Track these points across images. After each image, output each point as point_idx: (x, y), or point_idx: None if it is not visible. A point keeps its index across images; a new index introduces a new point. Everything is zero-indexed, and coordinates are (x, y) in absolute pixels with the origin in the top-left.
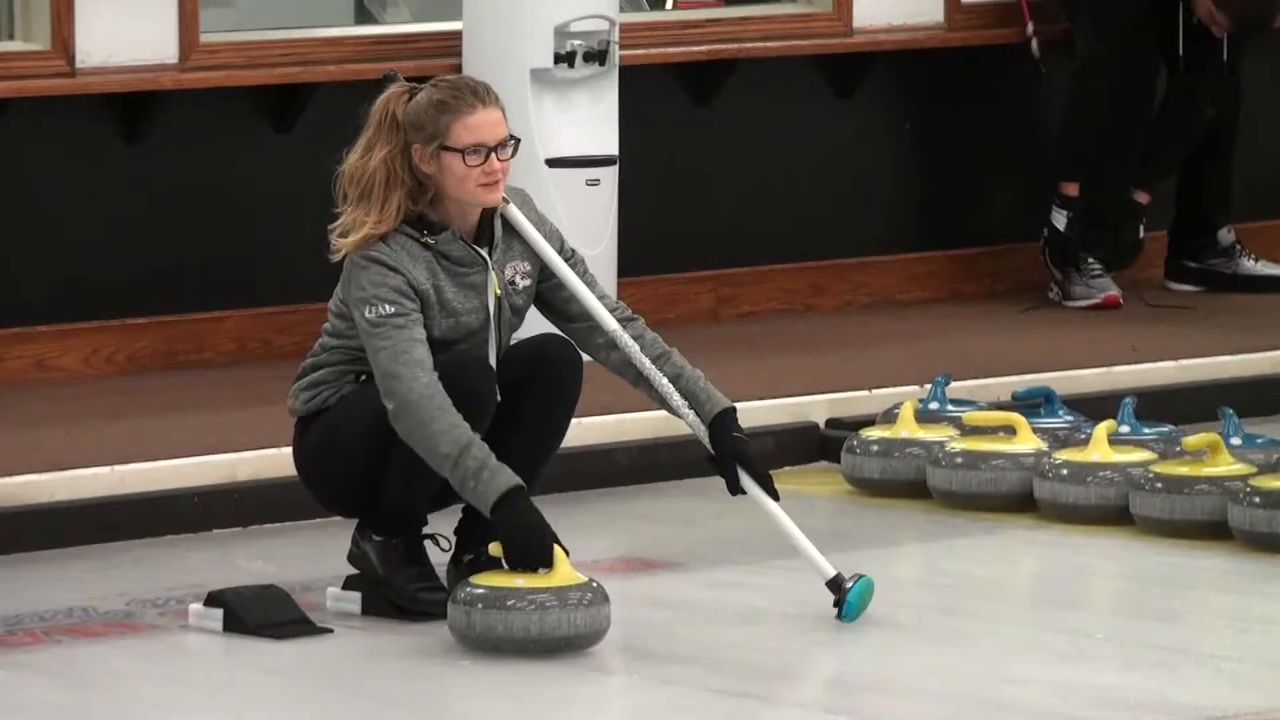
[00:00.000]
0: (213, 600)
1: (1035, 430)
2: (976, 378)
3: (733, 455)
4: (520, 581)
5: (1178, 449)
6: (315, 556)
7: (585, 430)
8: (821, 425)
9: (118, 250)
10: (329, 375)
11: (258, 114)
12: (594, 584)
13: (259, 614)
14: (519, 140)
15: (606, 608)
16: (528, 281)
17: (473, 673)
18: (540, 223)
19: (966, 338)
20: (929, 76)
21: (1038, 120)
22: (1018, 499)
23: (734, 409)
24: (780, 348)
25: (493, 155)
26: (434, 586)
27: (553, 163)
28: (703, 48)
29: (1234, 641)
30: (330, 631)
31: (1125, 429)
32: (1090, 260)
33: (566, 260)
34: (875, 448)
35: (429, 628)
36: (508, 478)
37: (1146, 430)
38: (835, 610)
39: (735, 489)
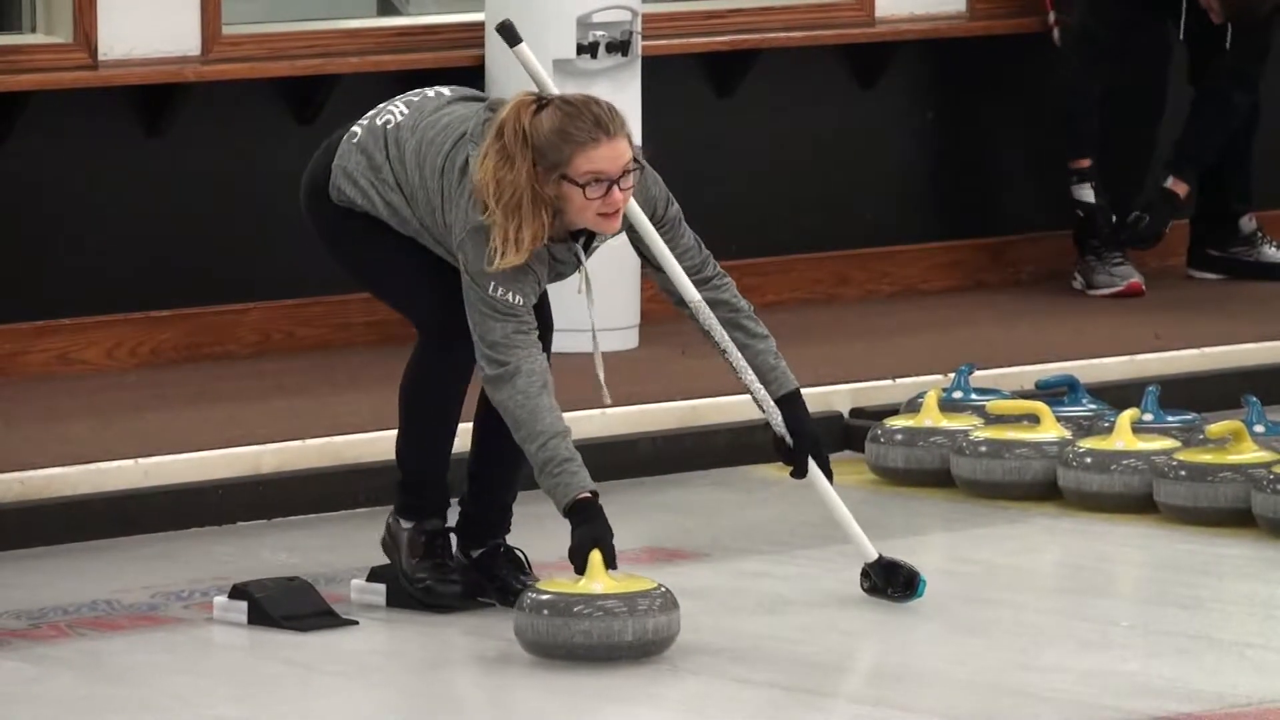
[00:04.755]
0: (237, 593)
1: (1059, 419)
2: (1000, 366)
3: (807, 441)
4: (580, 588)
5: (1201, 437)
6: (340, 549)
7: (609, 420)
8: (845, 415)
9: (140, 243)
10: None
11: (280, 106)
12: (663, 589)
13: (283, 606)
14: (642, 166)
15: (666, 616)
16: (599, 244)
17: (498, 664)
18: (644, 185)
19: (990, 327)
20: (951, 66)
21: (1059, 106)
22: (1042, 487)
23: (799, 390)
24: (804, 337)
25: (614, 187)
26: (448, 579)
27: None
28: (725, 38)
29: (1258, 628)
30: (355, 624)
31: (1149, 417)
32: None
33: (662, 217)
34: (899, 437)
35: (453, 619)
36: (588, 480)
37: (1170, 418)
38: (903, 589)
39: (802, 473)
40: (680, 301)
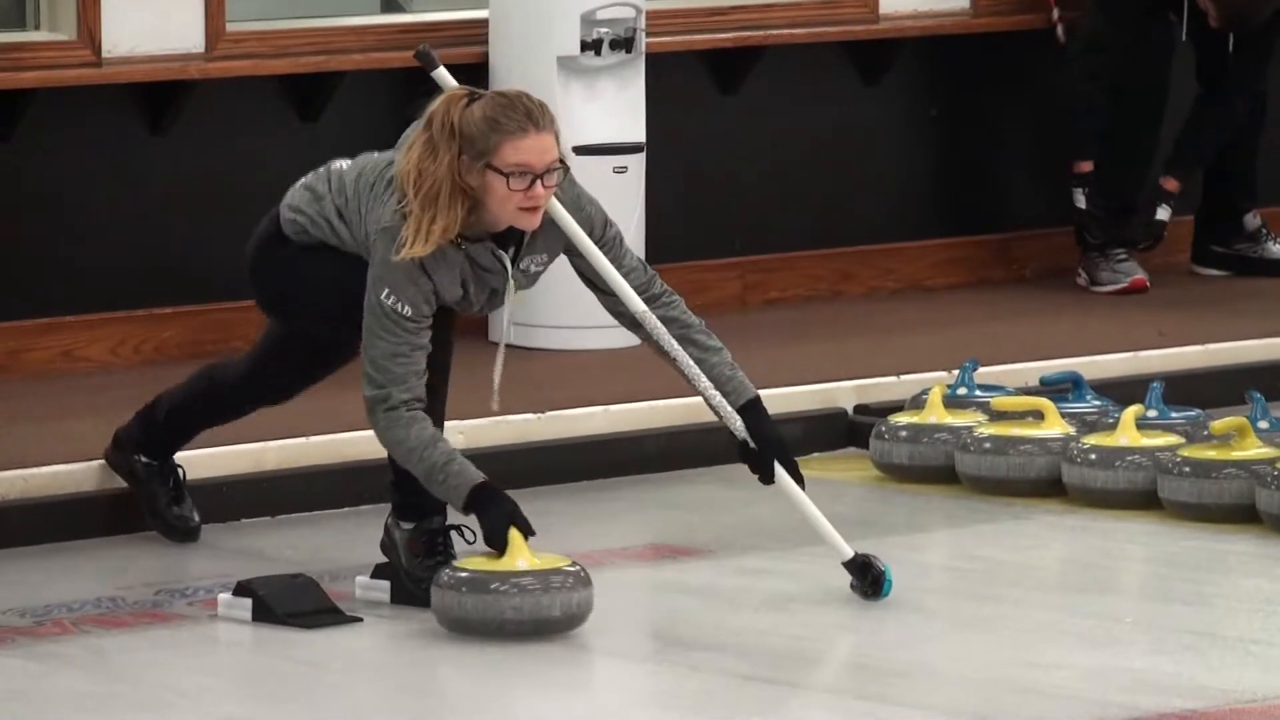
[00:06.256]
0: (241, 590)
1: (1063, 415)
2: (1004, 363)
3: (773, 446)
4: (504, 565)
5: (1205, 433)
6: (343, 545)
7: (613, 417)
8: (850, 411)
9: (144, 240)
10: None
11: (284, 103)
12: (576, 567)
13: (288, 603)
14: (568, 167)
15: (588, 590)
16: (541, 268)
17: (501, 659)
18: (578, 205)
19: (994, 323)
20: (955, 62)
21: (1064, 106)
22: (1046, 484)
23: (759, 397)
24: (808, 334)
25: (538, 181)
26: None
27: (580, 150)
28: (729, 34)
29: (1263, 625)
30: (359, 620)
31: (1153, 413)
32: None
33: (601, 237)
34: (903, 433)
35: None
36: (474, 471)
37: (1174, 414)
38: (870, 589)
39: (770, 479)
40: (632, 323)
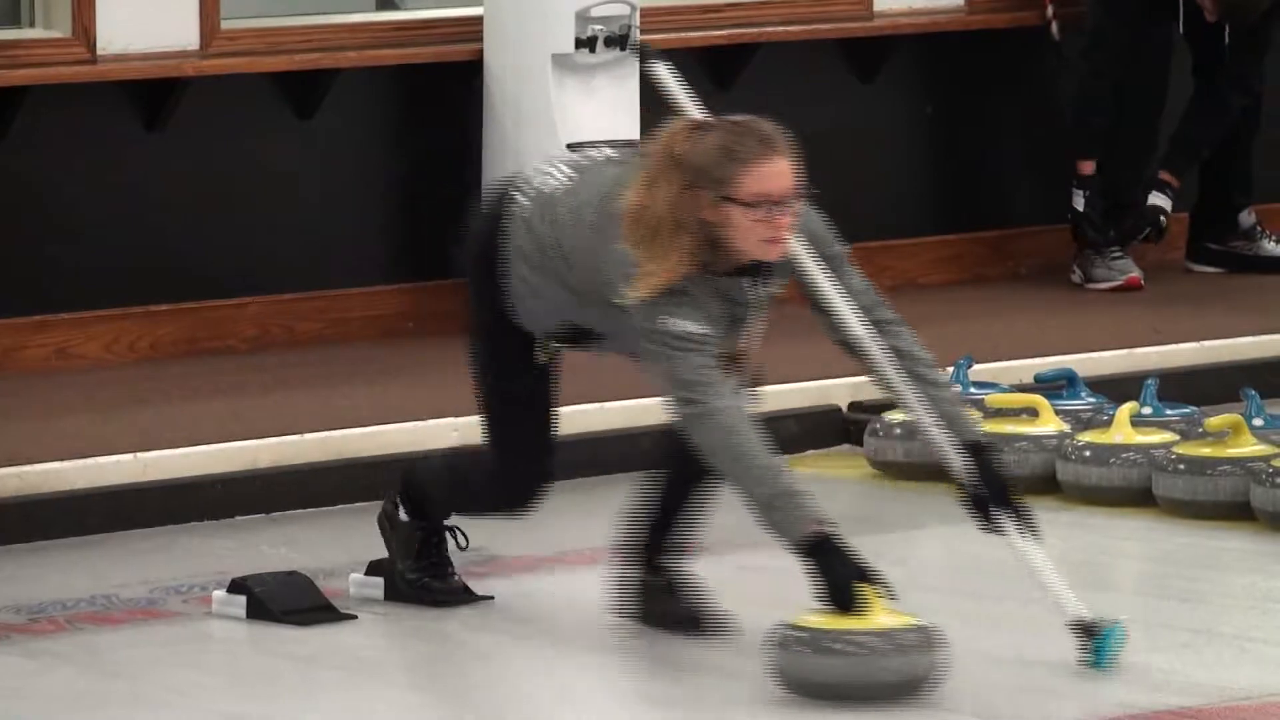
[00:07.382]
0: (236, 587)
1: (1058, 412)
2: (999, 360)
3: (996, 491)
4: (845, 624)
5: (1200, 430)
6: (338, 543)
7: (609, 414)
8: (844, 408)
9: (139, 237)
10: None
11: (279, 100)
12: (925, 626)
13: (282, 601)
14: (806, 193)
15: (936, 654)
16: (777, 289)
17: (496, 657)
18: (803, 223)
19: (989, 320)
20: (950, 59)
21: (1059, 103)
22: (1041, 481)
23: (985, 438)
24: (803, 330)
25: (780, 210)
26: (441, 575)
27: (574, 147)
28: (724, 32)
29: (1258, 622)
30: (354, 618)
31: (1148, 410)
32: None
33: (826, 254)
34: (899, 431)
35: (451, 613)
36: (820, 513)
37: (1169, 411)
38: (1085, 655)
39: (993, 528)
40: (849, 347)
